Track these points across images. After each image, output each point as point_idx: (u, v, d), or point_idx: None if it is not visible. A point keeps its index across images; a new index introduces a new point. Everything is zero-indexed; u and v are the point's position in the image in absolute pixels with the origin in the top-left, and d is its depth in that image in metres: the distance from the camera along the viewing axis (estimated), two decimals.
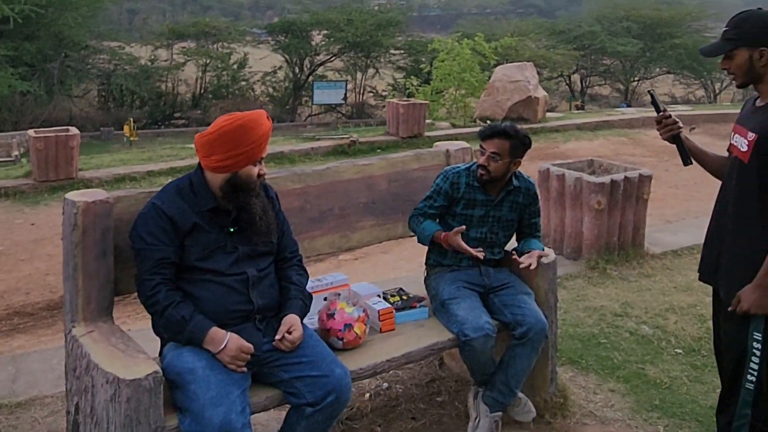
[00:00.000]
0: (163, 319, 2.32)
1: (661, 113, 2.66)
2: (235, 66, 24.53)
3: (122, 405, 2.10)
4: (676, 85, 28.26)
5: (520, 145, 2.95)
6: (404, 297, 3.13)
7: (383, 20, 25.03)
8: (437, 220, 3.09)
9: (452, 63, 15.68)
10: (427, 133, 12.17)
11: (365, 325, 2.77)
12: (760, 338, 2.42)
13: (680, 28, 25.92)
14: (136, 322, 4.85)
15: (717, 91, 27.01)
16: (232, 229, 2.43)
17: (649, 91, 2.84)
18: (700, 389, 3.44)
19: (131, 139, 16.66)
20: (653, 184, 5.63)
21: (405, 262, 5.94)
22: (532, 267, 2.89)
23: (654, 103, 2.69)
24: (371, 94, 26.34)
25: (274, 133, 2.55)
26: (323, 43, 25.41)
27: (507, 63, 16.32)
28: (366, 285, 3.28)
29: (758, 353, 2.43)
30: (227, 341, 2.30)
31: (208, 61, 24.24)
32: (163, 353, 2.41)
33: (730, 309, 2.44)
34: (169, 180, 2.59)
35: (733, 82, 2.54)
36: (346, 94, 22.71)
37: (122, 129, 17.69)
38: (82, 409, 2.34)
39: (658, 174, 6.87)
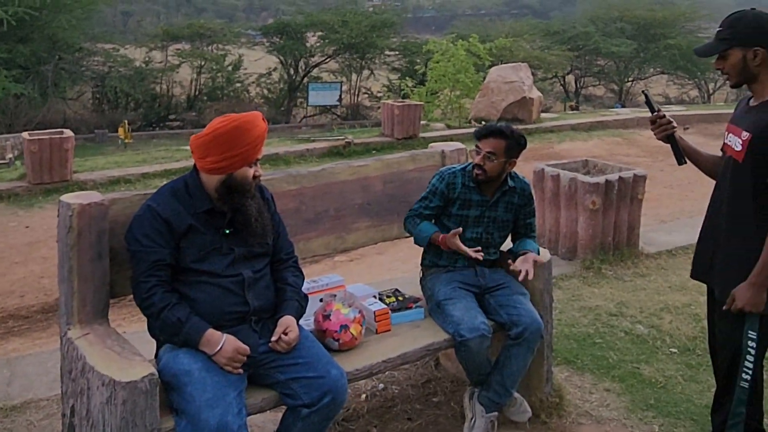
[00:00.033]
0: (159, 321, 2.31)
1: (656, 113, 2.66)
2: (229, 68, 24.49)
3: (118, 407, 2.10)
4: (669, 85, 28.33)
5: (515, 144, 2.96)
6: (400, 298, 3.14)
7: (378, 21, 25.03)
8: (433, 221, 3.10)
9: (447, 64, 15.71)
10: (422, 135, 12.18)
11: (361, 326, 2.77)
12: (754, 337, 2.43)
13: (674, 29, 25.99)
14: (131, 324, 4.84)
15: (711, 91, 27.09)
16: (227, 231, 2.43)
17: (643, 92, 2.85)
18: (695, 388, 3.46)
19: (126, 141, 16.62)
20: (648, 184, 5.65)
21: (400, 263, 5.95)
22: (530, 277, 2.90)
23: (648, 103, 2.70)
24: (366, 96, 26.33)
25: (269, 135, 2.55)
26: (318, 44, 25.39)
27: (502, 64, 16.33)
28: (362, 286, 3.29)
29: (753, 352, 2.44)
30: (223, 343, 2.30)
31: (202, 63, 24.19)
32: (158, 355, 2.41)
33: (724, 308, 2.45)
34: (164, 182, 2.59)
35: (727, 82, 2.56)
36: (341, 96, 22.73)
37: (117, 131, 17.64)
38: (78, 412, 2.33)
39: (652, 174, 6.89)
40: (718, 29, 2.46)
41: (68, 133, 9.16)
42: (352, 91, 25.60)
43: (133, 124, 19.58)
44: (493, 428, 2.94)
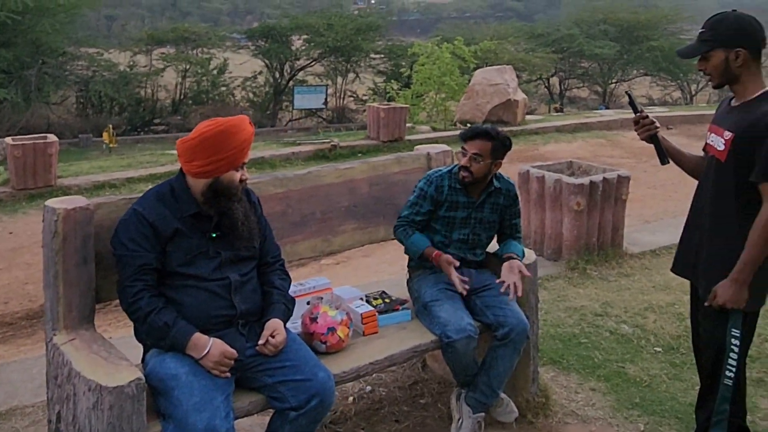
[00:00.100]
0: (145, 325, 2.31)
1: (639, 113, 2.69)
2: (214, 71, 24.40)
3: (105, 412, 2.09)
4: (653, 86, 28.54)
5: (501, 146, 2.98)
6: (387, 300, 3.14)
7: (363, 25, 25.06)
8: (424, 227, 3.10)
9: (432, 67, 15.73)
10: (407, 137, 12.21)
11: (348, 328, 2.77)
12: (738, 335, 2.46)
13: (656, 31, 26.21)
14: (117, 330, 4.82)
15: (693, 92, 27.33)
16: (214, 235, 2.43)
17: (626, 92, 2.88)
18: (679, 386, 3.49)
19: (110, 145, 16.50)
20: (631, 185, 5.70)
21: (387, 266, 5.95)
22: (519, 293, 2.92)
23: (632, 103, 2.72)
24: (352, 99, 26.34)
25: (255, 138, 2.55)
26: (303, 47, 25.36)
27: (486, 66, 16.39)
28: (349, 288, 3.29)
29: (736, 350, 2.47)
30: (210, 347, 2.29)
31: (187, 67, 24.07)
32: (145, 360, 2.40)
33: (706, 304, 2.48)
34: (150, 187, 2.58)
35: (709, 83, 2.59)
36: (326, 99, 22.73)
37: (101, 136, 17.50)
38: (64, 418, 2.32)
39: (636, 175, 6.94)
40: (700, 31, 2.49)
41: (52, 137, 9.09)
42: (337, 95, 25.60)
43: (117, 129, 19.46)
44: (480, 429, 2.96)
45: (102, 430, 2.10)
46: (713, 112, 2.71)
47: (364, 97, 25.11)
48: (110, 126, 17.72)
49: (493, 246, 3.21)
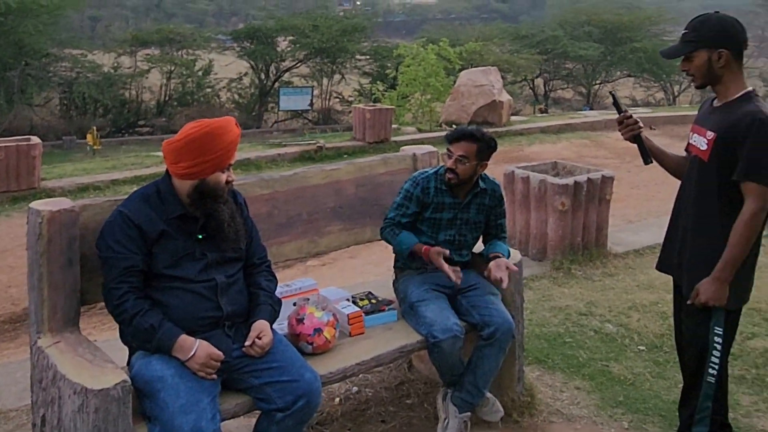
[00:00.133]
0: (131, 327, 2.30)
1: (623, 114, 2.72)
2: (200, 73, 24.31)
3: (90, 415, 2.08)
4: (636, 87, 28.78)
5: (486, 147, 2.99)
6: (373, 300, 3.15)
7: (348, 26, 25.08)
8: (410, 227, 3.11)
9: (418, 68, 15.79)
10: (393, 138, 12.24)
11: (335, 329, 2.78)
12: (720, 333, 2.49)
13: (640, 32, 26.46)
14: (102, 332, 4.79)
15: (676, 93, 27.59)
16: (200, 236, 2.42)
17: (610, 92, 2.90)
18: (662, 385, 3.52)
19: (95, 147, 16.38)
20: (615, 185, 5.75)
21: (373, 267, 5.96)
22: (504, 285, 2.93)
23: (615, 104, 2.75)
24: (337, 100, 26.34)
25: (241, 140, 2.55)
26: (289, 49, 25.32)
27: (472, 68, 16.45)
28: (335, 289, 3.29)
29: (719, 347, 2.50)
30: (196, 348, 2.29)
31: (172, 68, 23.98)
32: (131, 362, 2.39)
33: (688, 302, 2.51)
34: (135, 189, 2.57)
35: (692, 83, 2.61)
36: (312, 100, 22.69)
37: (85, 138, 17.38)
38: (49, 421, 2.30)
39: (620, 175, 7.01)
40: (683, 32, 2.52)
41: (35, 139, 9.03)
42: (323, 96, 25.58)
43: (101, 131, 19.33)
44: (466, 428, 2.97)
45: None
46: (696, 112, 2.74)
47: (350, 99, 25.12)
48: (94, 128, 17.61)
49: (479, 247, 3.23)
